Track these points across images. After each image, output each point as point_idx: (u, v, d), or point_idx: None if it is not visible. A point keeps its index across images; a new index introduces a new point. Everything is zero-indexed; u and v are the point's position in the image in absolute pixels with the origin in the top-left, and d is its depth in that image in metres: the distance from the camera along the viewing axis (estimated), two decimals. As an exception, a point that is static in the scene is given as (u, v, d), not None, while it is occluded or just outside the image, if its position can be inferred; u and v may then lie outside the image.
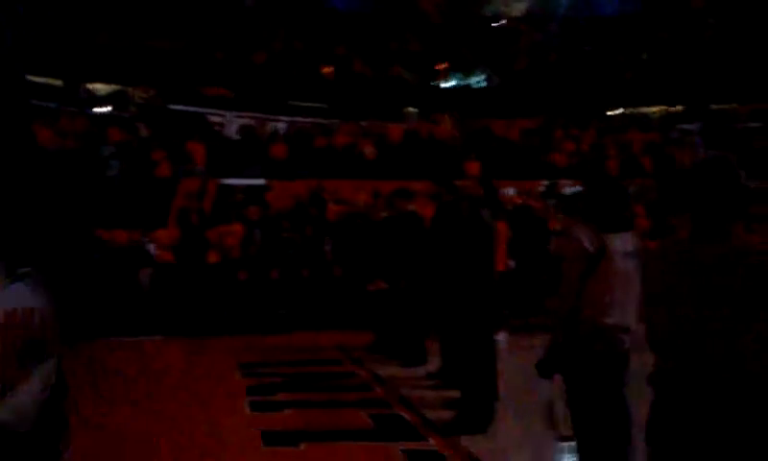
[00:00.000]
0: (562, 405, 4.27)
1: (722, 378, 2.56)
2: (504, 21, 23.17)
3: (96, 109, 15.24)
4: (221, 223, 11.11)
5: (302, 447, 5.36)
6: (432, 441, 5.48)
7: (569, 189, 13.57)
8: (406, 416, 6.11)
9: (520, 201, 10.55)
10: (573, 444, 4.25)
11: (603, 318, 4.08)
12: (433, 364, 7.53)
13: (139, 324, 9.89)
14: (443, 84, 21.09)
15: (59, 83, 15.42)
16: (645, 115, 20.94)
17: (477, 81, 21.50)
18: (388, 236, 8.01)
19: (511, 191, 11.67)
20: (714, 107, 21.15)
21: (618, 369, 4.28)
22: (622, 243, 4.16)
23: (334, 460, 5.13)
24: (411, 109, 19.79)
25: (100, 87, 16.51)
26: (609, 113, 20.73)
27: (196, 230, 10.64)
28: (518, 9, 24.18)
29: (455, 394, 6.47)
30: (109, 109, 15.43)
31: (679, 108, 21.27)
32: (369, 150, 15.32)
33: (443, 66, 21.23)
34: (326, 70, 19.32)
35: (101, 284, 9.79)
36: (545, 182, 13.84)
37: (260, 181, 13.51)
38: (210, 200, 12.43)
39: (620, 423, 4.24)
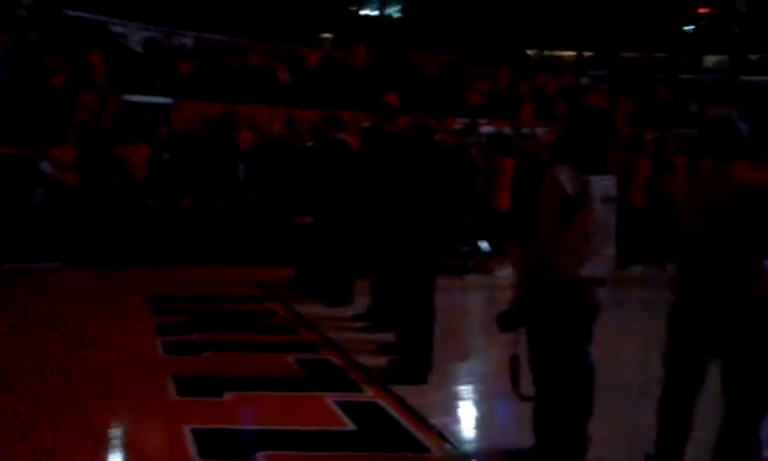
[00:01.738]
0: (522, 362, 3.96)
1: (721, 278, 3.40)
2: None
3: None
4: (124, 142, 10.11)
5: (227, 397, 4.83)
6: (368, 391, 5.08)
7: (487, 129, 13.34)
8: (336, 361, 5.68)
9: (451, 139, 10.14)
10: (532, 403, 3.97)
11: (578, 269, 3.78)
12: (359, 305, 7.13)
13: (33, 249, 8.94)
14: (360, 12, 20.31)
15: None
16: (558, 59, 21.01)
17: (394, 10, 20.85)
18: (315, 167, 7.43)
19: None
20: (623, 54, 21.52)
21: (589, 324, 4.01)
22: (603, 187, 3.83)
23: (264, 414, 4.63)
24: (326, 35, 18.94)
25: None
26: (524, 54, 20.66)
27: (96, 148, 9.65)
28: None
29: (386, 338, 6.12)
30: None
31: (589, 53, 21.50)
32: (283, 74, 14.47)
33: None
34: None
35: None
36: (463, 121, 13.55)
37: (166, 100, 12.52)
38: (111, 116, 11.37)
39: (585, 379, 3.99)
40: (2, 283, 7.87)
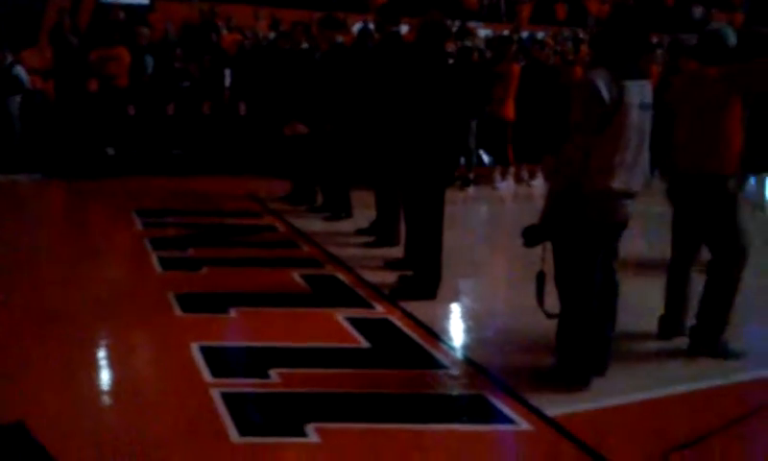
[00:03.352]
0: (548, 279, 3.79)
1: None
2: None
3: None
4: (101, 45, 9.54)
5: (232, 313, 4.63)
6: (378, 307, 4.90)
7: (484, 32, 12.88)
8: (342, 277, 5.48)
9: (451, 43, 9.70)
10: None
11: (610, 181, 3.57)
12: (359, 218, 6.91)
13: (11, 160, 8.51)
14: None
15: None
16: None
17: None
18: (311, 72, 7.03)
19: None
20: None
21: (616, 238, 3.83)
22: (639, 92, 3.58)
23: (273, 330, 4.44)
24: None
25: None
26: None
27: (74, 51, 9.10)
28: None
29: (391, 253, 5.94)
30: None
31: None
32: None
33: None
34: None
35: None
36: (456, 23, 13.05)
37: (142, 0, 11.88)
38: (87, 17, 10.75)
39: (609, 295, 3.84)
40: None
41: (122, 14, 10.52)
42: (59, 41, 9.39)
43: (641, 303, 4.86)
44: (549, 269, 3.77)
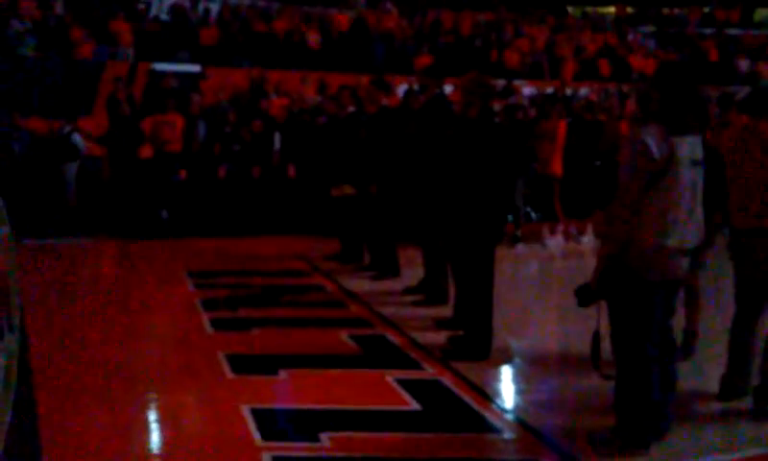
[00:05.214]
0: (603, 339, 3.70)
1: None
2: None
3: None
4: (154, 112, 9.87)
5: (282, 374, 4.62)
6: (429, 368, 4.84)
7: (528, 91, 12.92)
8: (392, 337, 5.44)
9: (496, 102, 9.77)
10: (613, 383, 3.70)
11: (664, 239, 3.49)
12: (406, 277, 6.88)
13: (66, 224, 8.78)
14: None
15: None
16: (599, 16, 20.36)
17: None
18: (358, 134, 7.13)
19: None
20: (665, 11, 20.81)
21: (673, 297, 3.73)
22: (690, 149, 3.52)
23: (323, 392, 4.41)
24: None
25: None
26: (565, 9, 20.06)
27: (127, 119, 9.43)
28: None
29: (441, 312, 5.88)
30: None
31: (631, 9, 20.83)
32: (313, 38, 14.12)
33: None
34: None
35: (21, 178, 8.55)
36: (501, 82, 13.14)
37: (194, 68, 12.27)
38: (141, 86, 11.16)
39: (666, 355, 3.72)
40: (33, 259, 7.67)
41: (174, 82, 10.90)
42: (114, 109, 9.73)
43: (702, 362, 4.70)
44: (604, 328, 3.69)
